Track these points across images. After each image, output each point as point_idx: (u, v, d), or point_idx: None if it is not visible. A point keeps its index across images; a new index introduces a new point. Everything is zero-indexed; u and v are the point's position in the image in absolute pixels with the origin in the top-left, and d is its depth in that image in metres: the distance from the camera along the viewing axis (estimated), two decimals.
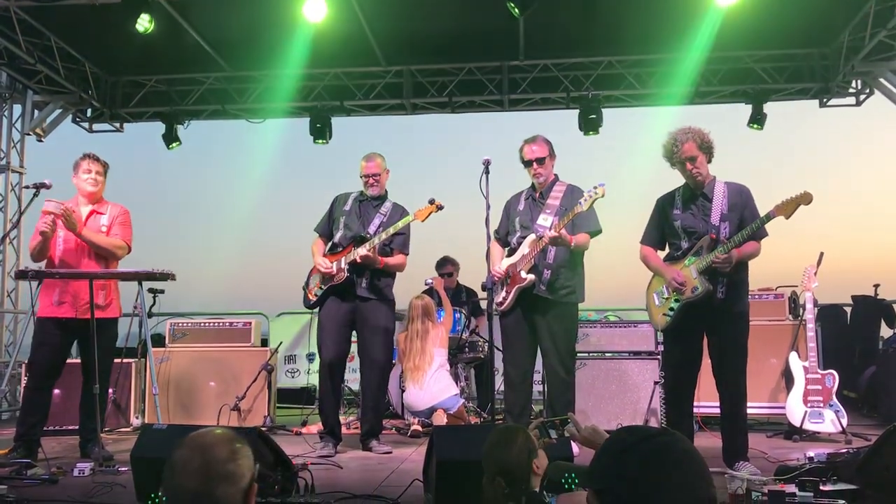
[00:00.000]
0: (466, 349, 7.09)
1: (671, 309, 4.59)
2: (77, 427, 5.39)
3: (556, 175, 5.39)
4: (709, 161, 4.61)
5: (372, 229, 5.62)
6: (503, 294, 5.28)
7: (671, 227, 4.70)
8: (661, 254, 4.90)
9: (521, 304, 5.20)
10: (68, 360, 5.43)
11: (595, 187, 4.94)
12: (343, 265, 5.52)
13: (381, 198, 5.79)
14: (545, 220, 5.22)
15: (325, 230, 5.85)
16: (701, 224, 4.57)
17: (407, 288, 7.69)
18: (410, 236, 5.80)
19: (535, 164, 5.27)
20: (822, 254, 5.95)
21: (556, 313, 5.15)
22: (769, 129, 8.86)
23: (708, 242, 4.48)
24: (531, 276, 5.13)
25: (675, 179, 4.77)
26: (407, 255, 5.78)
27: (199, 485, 1.67)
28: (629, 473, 1.49)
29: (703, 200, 4.60)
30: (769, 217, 4.37)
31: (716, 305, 4.46)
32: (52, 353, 5.22)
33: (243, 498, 1.73)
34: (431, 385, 6.33)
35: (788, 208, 4.30)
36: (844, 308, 8.09)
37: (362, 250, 5.41)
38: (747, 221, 4.49)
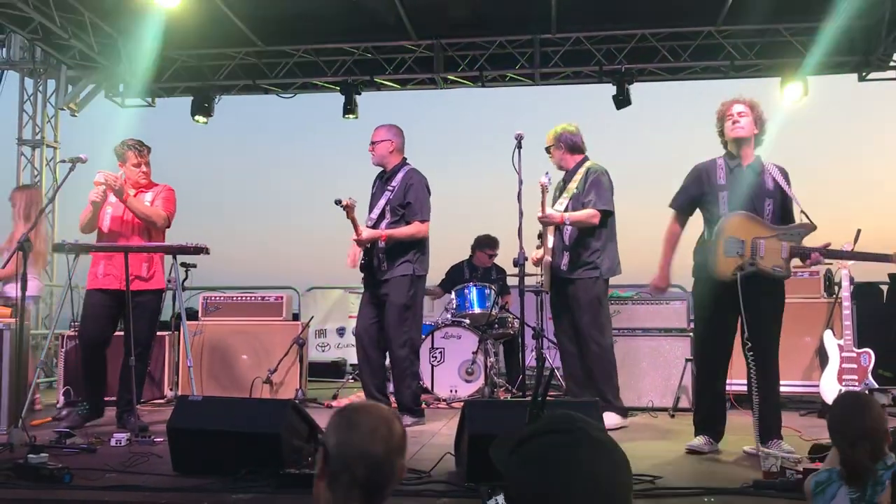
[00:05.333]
0: (496, 325, 7.10)
1: (741, 268, 4.28)
2: (115, 398, 5.50)
3: (583, 157, 5.58)
4: (756, 144, 4.53)
5: (376, 213, 5.65)
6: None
7: (713, 195, 4.51)
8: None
9: (555, 283, 5.48)
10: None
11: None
12: (361, 253, 5.62)
13: (396, 169, 5.71)
14: (560, 204, 5.46)
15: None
16: (747, 197, 4.41)
17: (444, 261, 7.77)
18: (429, 203, 5.67)
19: None
20: (859, 231, 5.78)
21: (578, 289, 5.37)
22: (804, 103, 8.69)
23: (809, 230, 4.30)
24: (548, 259, 5.42)
25: (700, 155, 4.71)
26: (424, 221, 5.61)
27: (385, 452, 1.74)
28: (512, 470, 1.31)
29: (750, 174, 4.46)
30: (889, 259, 4.23)
31: (783, 278, 4.35)
32: (95, 324, 5.38)
33: (401, 473, 1.81)
34: None
35: None
36: (881, 286, 7.97)
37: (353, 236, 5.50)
38: (787, 203, 4.43)
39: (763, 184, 4.43)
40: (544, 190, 5.19)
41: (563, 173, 5.64)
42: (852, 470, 2.53)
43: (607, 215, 5.38)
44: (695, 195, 4.63)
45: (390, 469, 1.75)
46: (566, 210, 5.40)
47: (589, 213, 5.31)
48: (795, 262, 6.45)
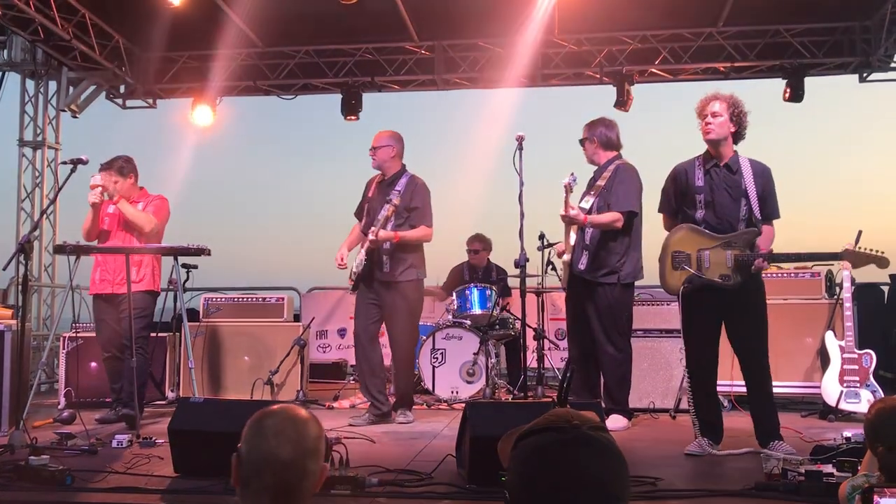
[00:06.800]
0: (497, 326, 7.10)
1: (689, 281, 4.41)
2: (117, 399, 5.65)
3: (615, 155, 5.49)
4: (736, 141, 4.51)
5: (382, 214, 5.64)
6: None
7: (690, 197, 4.54)
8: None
9: (573, 284, 5.43)
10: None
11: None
12: (363, 255, 5.64)
13: (397, 176, 5.77)
14: (587, 202, 5.38)
15: (360, 214, 5.97)
16: (724, 197, 4.43)
17: (445, 262, 7.77)
18: (432, 208, 5.79)
19: None
20: (860, 232, 5.77)
21: (597, 293, 5.29)
22: (805, 105, 8.68)
23: (754, 235, 4.31)
24: (566, 258, 5.37)
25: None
26: (430, 226, 5.75)
27: (294, 454, 1.70)
28: (510, 465, 1.32)
29: (727, 173, 4.47)
30: (837, 257, 4.15)
31: (732, 288, 4.33)
32: (103, 328, 5.71)
33: (321, 477, 1.77)
34: None
35: (860, 261, 4.07)
36: (882, 287, 7.96)
37: (371, 236, 5.51)
38: (766, 202, 4.40)
39: (738, 184, 4.42)
40: (568, 190, 5.10)
41: (593, 168, 5.57)
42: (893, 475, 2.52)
43: (632, 217, 5.29)
44: (675, 196, 4.66)
45: (299, 472, 1.71)
46: (591, 207, 5.32)
47: (612, 218, 5.22)
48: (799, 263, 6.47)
